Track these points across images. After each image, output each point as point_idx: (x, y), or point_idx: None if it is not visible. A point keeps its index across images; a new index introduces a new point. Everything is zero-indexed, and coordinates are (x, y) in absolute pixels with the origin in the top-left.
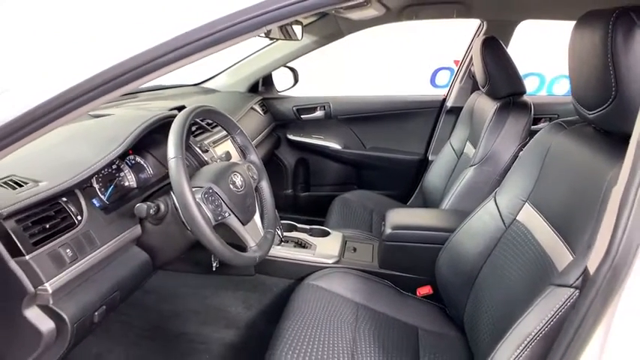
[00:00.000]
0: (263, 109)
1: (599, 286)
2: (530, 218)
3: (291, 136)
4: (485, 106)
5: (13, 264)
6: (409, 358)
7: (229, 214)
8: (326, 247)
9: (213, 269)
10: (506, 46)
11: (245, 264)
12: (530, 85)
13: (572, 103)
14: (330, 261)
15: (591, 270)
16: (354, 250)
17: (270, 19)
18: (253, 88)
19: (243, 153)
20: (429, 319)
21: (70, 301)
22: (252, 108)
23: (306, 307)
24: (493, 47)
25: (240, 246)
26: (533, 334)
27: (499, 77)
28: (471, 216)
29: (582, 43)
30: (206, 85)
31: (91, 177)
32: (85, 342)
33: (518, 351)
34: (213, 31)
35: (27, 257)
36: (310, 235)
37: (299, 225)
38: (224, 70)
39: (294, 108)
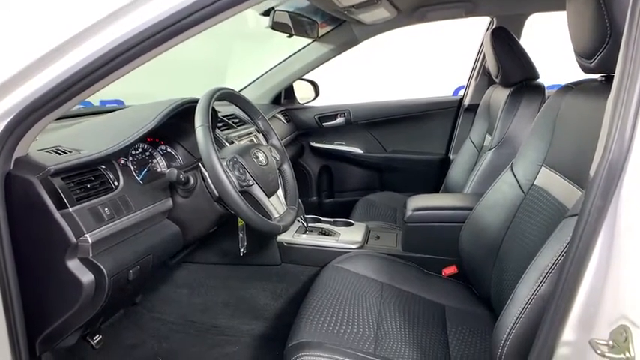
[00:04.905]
0: (286, 118)
1: (598, 184)
2: (548, 180)
3: (313, 144)
4: (500, 95)
5: (58, 215)
6: (437, 330)
7: (253, 184)
8: (350, 235)
9: (241, 254)
10: (518, 39)
11: (270, 230)
12: None
13: (576, 60)
14: (354, 246)
15: (592, 174)
16: (378, 237)
17: None
18: (276, 100)
19: (265, 137)
20: (455, 297)
21: (108, 256)
22: (274, 116)
23: (332, 285)
24: (502, 36)
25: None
26: (549, 265)
27: (510, 64)
28: (490, 189)
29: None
30: None
31: (127, 148)
32: (120, 335)
33: (537, 284)
34: None
35: (70, 209)
36: (334, 225)
37: (323, 218)
38: (248, 84)
39: (315, 116)
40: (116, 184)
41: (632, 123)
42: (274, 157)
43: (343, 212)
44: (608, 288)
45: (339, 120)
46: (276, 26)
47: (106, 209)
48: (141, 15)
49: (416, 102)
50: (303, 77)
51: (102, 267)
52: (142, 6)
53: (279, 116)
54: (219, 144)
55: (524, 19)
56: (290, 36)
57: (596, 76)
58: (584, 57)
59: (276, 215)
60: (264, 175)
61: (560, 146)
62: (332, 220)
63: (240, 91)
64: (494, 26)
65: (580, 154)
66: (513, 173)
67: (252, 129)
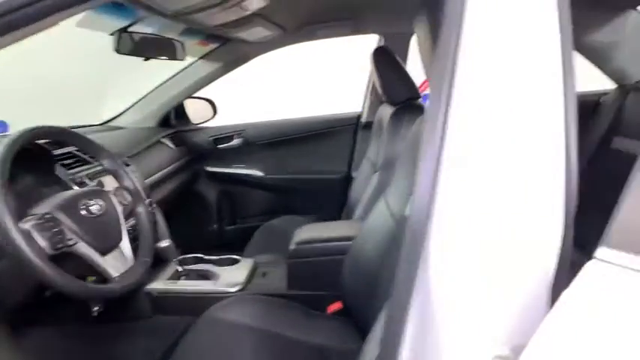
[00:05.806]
0: (174, 142)
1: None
2: None
3: (209, 168)
4: (387, 114)
5: None
6: None
7: (76, 242)
8: (231, 275)
9: (94, 314)
10: (405, 56)
11: (100, 296)
12: None
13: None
14: (234, 289)
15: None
16: (264, 275)
17: None
18: (165, 122)
19: (115, 178)
20: (338, 337)
21: None
22: (159, 141)
23: (200, 341)
24: (384, 56)
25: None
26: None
27: (393, 84)
28: (368, 218)
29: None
30: (113, 123)
31: None
32: None
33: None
34: None
35: None
36: (217, 265)
37: (206, 257)
38: (132, 105)
39: (210, 138)
40: None
41: (432, 173)
42: (122, 202)
43: (246, 239)
44: None
45: (236, 141)
46: (124, 49)
47: None
48: None
49: (315, 120)
50: (197, 95)
51: None
52: None
53: (166, 141)
54: (62, 187)
55: (409, 38)
56: (147, 59)
57: None
58: None
59: (116, 274)
60: (98, 229)
61: None
62: (216, 257)
63: (120, 114)
64: (382, 43)
65: None
66: (387, 203)
67: None
